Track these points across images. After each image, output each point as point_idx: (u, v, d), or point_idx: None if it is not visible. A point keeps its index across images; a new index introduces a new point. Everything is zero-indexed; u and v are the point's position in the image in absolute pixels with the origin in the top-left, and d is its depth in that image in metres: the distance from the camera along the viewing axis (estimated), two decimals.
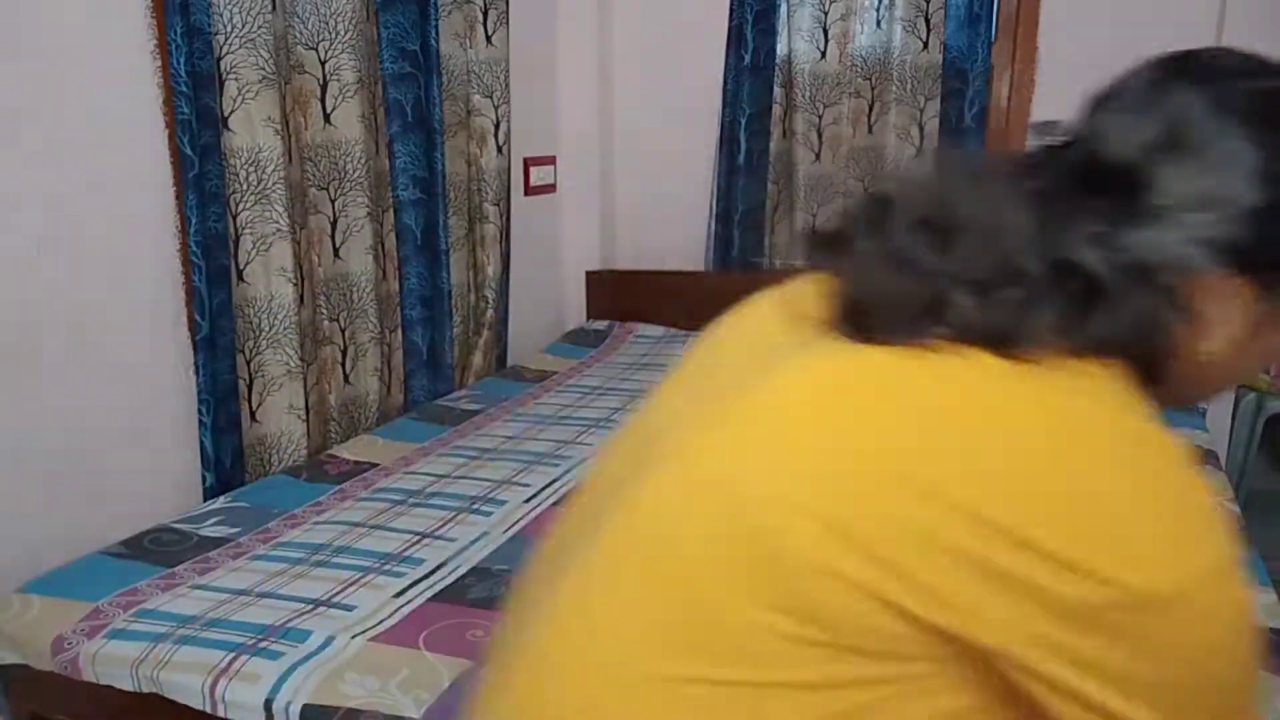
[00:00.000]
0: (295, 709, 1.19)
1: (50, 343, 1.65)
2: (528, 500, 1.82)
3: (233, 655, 1.29)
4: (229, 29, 1.85)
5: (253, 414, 2.03)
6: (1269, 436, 2.84)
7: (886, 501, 0.56)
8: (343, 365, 2.29)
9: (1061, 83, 2.71)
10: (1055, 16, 2.70)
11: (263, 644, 1.31)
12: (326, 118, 2.16)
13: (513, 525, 1.71)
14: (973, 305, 0.59)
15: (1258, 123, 0.60)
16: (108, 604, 1.43)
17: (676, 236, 3.21)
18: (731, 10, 2.94)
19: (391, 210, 2.40)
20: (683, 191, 3.17)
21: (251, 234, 1.96)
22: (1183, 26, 2.55)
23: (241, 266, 1.97)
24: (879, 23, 2.89)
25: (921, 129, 2.86)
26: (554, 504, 1.80)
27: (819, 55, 2.96)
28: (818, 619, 0.56)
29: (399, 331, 2.47)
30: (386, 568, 1.55)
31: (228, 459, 1.96)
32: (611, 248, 3.33)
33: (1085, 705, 0.54)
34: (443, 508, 1.78)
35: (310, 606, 1.41)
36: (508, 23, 2.63)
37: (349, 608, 1.42)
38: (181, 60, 1.75)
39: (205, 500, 1.88)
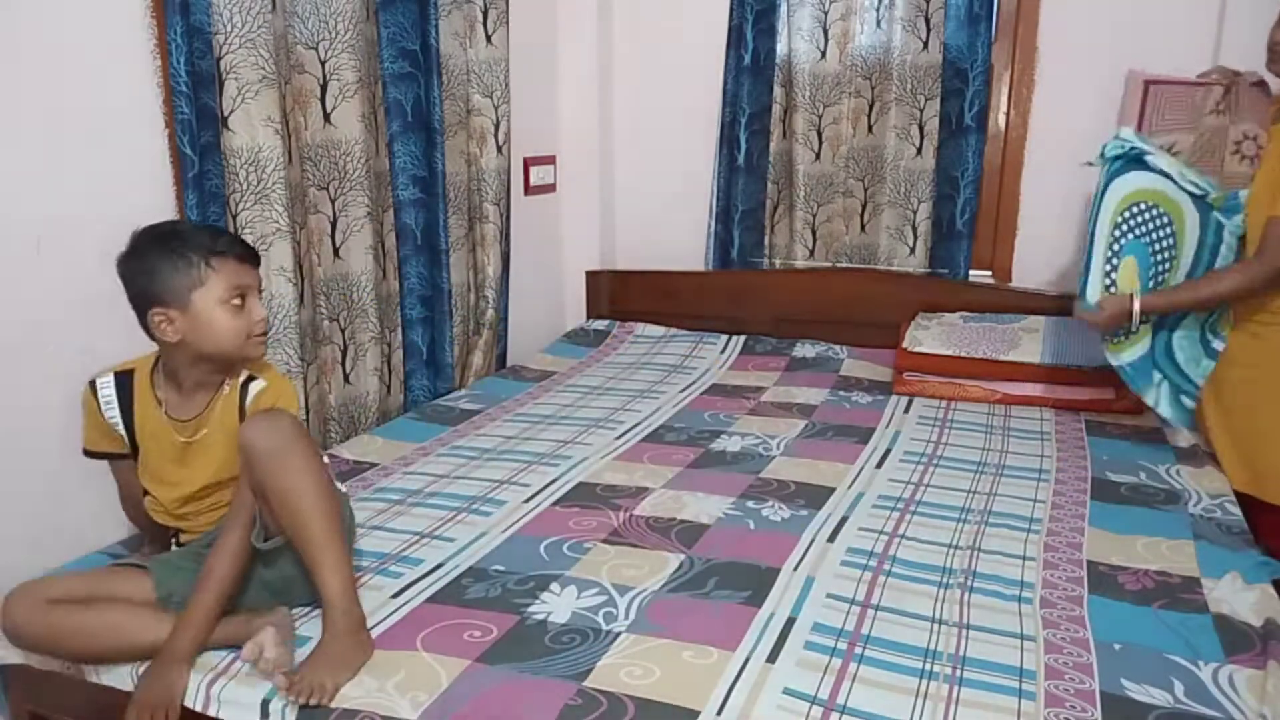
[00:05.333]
0: (292, 710, 1.19)
1: (50, 342, 1.65)
2: (527, 500, 1.83)
3: (232, 655, 1.29)
4: (229, 29, 1.85)
5: None
6: None
7: None
8: (343, 365, 2.29)
9: (1061, 83, 2.72)
10: (1055, 16, 2.69)
11: None
12: (326, 117, 2.16)
13: (512, 525, 1.71)
14: None
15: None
16: None
17: (676, 236, 3.21)
18: (731, 10, 2.94)
19: (391, 210, 2.41)
20: (683, 191, 3.17)
21: (251, 234, 1.96)
22: (1183, 26, 2.55)
23: None
24: (879, 22, 2.89)
25: (921, 129, 2.86)
26: (554, 504, 1.81)
27: (819, 55, 2.96)
28: None
29: (399, 331, 2.47)
30: (385, 568, 1.55)
31: None
32: (611, 248, 3.33)
33: None
34: (442, 508, 1.79)
35: (309, 607, 1.41)
36: (508, 23, 2.64)
37: None
38: (181, 60, 1.76)
39: None
